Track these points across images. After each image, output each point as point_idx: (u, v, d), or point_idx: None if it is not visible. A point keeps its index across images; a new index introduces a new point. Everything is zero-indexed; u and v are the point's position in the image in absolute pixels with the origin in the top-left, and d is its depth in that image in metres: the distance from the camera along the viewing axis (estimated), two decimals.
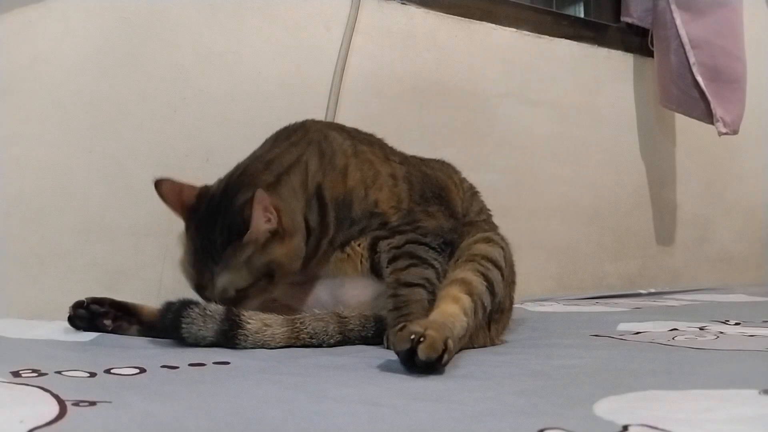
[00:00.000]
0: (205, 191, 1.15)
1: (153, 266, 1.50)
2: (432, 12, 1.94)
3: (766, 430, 0.63)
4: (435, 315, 0.96)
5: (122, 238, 1.48)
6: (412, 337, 0.83)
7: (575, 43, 2.22)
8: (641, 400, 0.72)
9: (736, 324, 1.37)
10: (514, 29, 2.09)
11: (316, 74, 1.74)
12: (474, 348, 1.06)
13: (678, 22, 2.18)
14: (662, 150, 2.42)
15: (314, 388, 0.77)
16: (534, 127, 2.12)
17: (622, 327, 1.34)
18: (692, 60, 2.17)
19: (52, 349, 0.99)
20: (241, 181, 1.13)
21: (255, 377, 0.83)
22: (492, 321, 1.12)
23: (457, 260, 1.12)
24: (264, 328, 1.03)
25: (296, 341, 1.04)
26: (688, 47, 2.17)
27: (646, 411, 0.67)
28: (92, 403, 0.66)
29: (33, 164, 1.42)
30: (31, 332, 1.11)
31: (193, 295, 1.08)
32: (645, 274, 2.35)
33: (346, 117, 1.71)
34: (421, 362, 0.82)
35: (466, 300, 1.00)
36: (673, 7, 2.18)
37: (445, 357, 0.84)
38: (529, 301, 1.85)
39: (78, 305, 1.12)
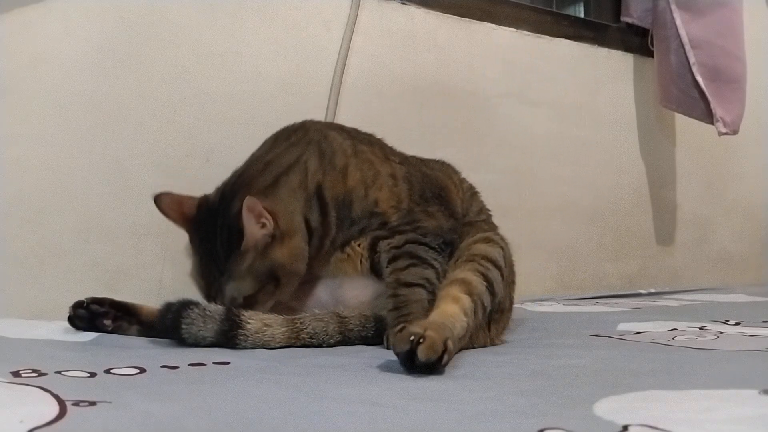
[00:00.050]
0: (204, 201, 1.16)
1: (153, 266, 1.50)
2: (432, 12, 1.94)
3: (766, 430, 0.63)
4: (435, 315, 0.96)
5: (122, 238, 1.48)
6: (412, 338, 0.83)
7: (575, 43, 2.22)
8: (641, 400, 0.72)
9: (736, 324, 1.37)
10: (514, 29, 2.09)
11: (316, 74, 1.74)
12: (474, 348, 1.06)
13: (678, 22, 2.18)
14: (662, 150, 2.42)
15: (314, 388, 0.77)
16: (534, 127, 2.12)
17: (622, 327, 1.34)
18: (692, 60, 2.17)
19: (52, 349, 0.99)
20: (236, 188, 1.13)
21: (255, 377, 0.83)
22: (492, 321, 1.12)
23: (457, 260, 1.12)
24: (264, 328, 1.03)
25: (296, 341, 1.04)
26: (688, 47, 2.17)
27: (646, 411, 0.67)
28: (92, 403, 0.66)
29: (33, 164, 1.42)
30: (31, 332, 1.11)
31: (192, 296, 1.08)
32: (645, 274, 2.35)
33: (346, 117, 1.71)
34: (420, 363, 0.82)
35: (465, 300, 1.00)
36: (673, 7, 2.18)
37: (445, 358, 0.84)
38: (529, 301, 1.85)
39: (78, 305, 1.12)
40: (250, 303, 1.08)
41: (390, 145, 1.33)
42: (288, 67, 1.70)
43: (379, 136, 1.33)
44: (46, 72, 1.44)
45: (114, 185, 1.49)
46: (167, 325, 1.02)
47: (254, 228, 1.05)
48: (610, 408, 0.67)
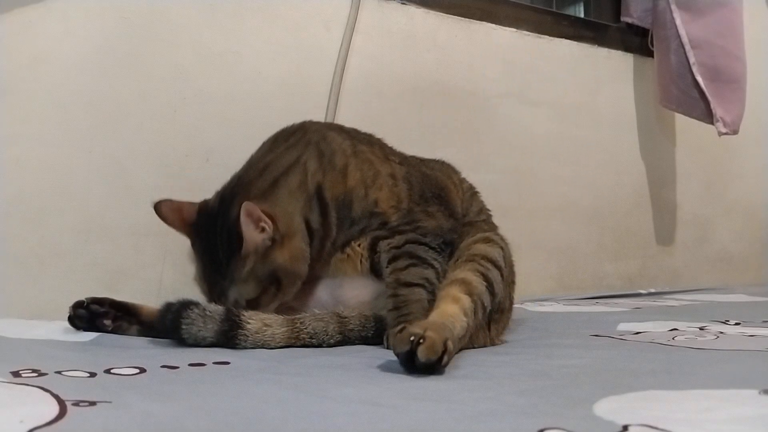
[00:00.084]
0: (204, 206, 1.16)
1: (153, 266, 1.50)
2: (432, 12, 1.94)
3: (766, 430, 0.63)
4: (435, 315, 0.96)
5: (122, 238, 1.48)
6: (412, 338, 0.83)
7: (575, 43, 2.22)
8: (641, 400, 0.72)
9: (736, 324, 1.37)
10: (514, 29, 2.09)
11: (316, 74, 1.74)
12: (474, 348, 1.06)
13: (678, 22, 2.18)
14: (662, 150, 2.42)
15: (314, 388, 0.77)
16: (534, 127, 2.12)
17: (622, 327, 1.34)
18: (692, 60, 2.17)
19: (52, 349, 0.99)
20: (235, 192, 1.13)
21: (255, 377, 0.83)
22: (492, 321, 1.12)
23: (457, 260, 1.12)
24: (264, 328, 1.03)
25: (296, 341, 1.04)
26: (688, 47, 2.17)
27: (646, 411, 0.67)
28: (92, 403, 0.66)
29: (33, 164, 1.42)
30: (31, 332, 1.11)
31: (192, 296, 1.08)
32: (645, 274, 2.35)
33: (346, 117, 1.71)
34: (420, 364, 0.82)
35: (465, 300, 1.00)
36: (673, 7, 2.18)
37: (445, 358, 0.84)
38: (529, 301, 1.85)
39: (78, 305, 1.12)
40: (253, 306, 1.08)
41: (390, 145, 1.33)
42: (288, 67, 1.70)
43: (379, 136, 1.33)
44: (46, 72, 1.44)
45: (114, 185, 1.49)
46: (167, 326, 1.02)
47: (253, 233, 1.06)
48: (610, 408, 0.67)
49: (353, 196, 1.17)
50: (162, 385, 0.78)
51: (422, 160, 1.35)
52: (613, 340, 1.19)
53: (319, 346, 1.05)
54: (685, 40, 2.17)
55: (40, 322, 1.19)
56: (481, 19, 2.03)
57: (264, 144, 1.25)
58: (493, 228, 1.31)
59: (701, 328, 1.30)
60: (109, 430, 0.59)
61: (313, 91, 1.72)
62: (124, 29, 1.51)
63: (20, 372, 0.81)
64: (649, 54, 2.31)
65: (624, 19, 2.32)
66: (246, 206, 1.04)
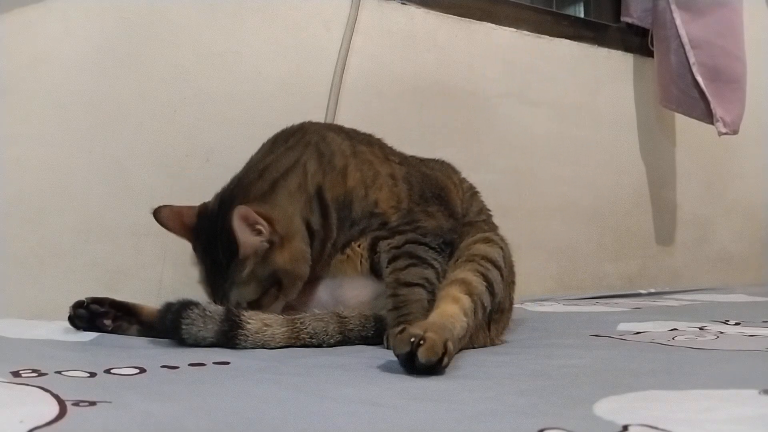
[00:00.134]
0: (204, 209, 1.16)
1: (153, 266, 1.50)
2: (432, 12, 1.94)
3: (766, 430, 0.63)
4: (434, 316, 0.96)
5: (122, 238, 1.48)
6: (412, 339, 0.83)
7: (575, 43, 2.22)
8: (641, 400, 0.72)
9: (736, 324, 1.37)
10: (514, 29, 2.09)
11: (316, 74, 1.74)
12: (474, 348, 1.06)
13: (678, 22, 2.18)
14: (662, 150, 2.42)
15: (314, 388, 0.77)
16: (534, 127, 2.12)
17: (622, 327, 1.34)
18: (692, 60, 2.17)
19: (52, 349, 0.99)
20: (234, 195, 1.13)
21: (255, 377, 0.83)
22: (492, 321, 1.12)
23: (457, 260, 1.12)
24: (264, 328, 1.03)
25: (296, 341, 1.04)
26: (688, 47, 2.17)
27: (646, 411, 0.67)
28: (92, 403, 0.66)
29: (33, 164, 1.42)
30: (31, 332, 1.11)
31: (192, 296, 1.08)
32: (645, 274, 2.35)
33: (346, 117, 1.71)
34: (421, 365, 0.82)
35: (465, 300, 1.00)
36: (673, 7, 2.18)
37: (445, 360, 0.84)
38: (529, 301, 1.85)
39: (78, 305, 1.12)
40: (255, 307, 1.09)
41: (390, 146, 1.33)
42: (288, 67, 1.70)
43: (379, 136, 1.33)
44: (46, 72, 1.44)
45: (114, 185, 1.49)
46: (167, 326, 1.02)
47: (248, 236, 1.06)
48: (610, 408, 0.67)
49: (353, 197, 1.17)
50: (162, 385, 0.78)
51: (422, 160, 1.35)
52: (613, 340, 1.19)
53: (319, 346, 1.05)
54: (685, 40, 2.17)
55: (40, 322, 1.19)
56: (481, 19, 2.03)
57: (263, 145, 1.25)
58: (493, 228, 1.31)
59: (701, 328, 1.30)
60: (109, 430, 0.59)
61: (313, 91, 1.72)
62: (124, 29, 1.51)
63: (20, 372, 0.81)
64: (649, 54, 2.31)
65: (624, 19, 2.32)
66: (238, 210, 1.04)
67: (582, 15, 2.49)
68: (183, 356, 0.93)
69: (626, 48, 2.33)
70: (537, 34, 2.14)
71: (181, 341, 1.01)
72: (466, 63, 1.99)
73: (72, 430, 0.58)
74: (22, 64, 1.42)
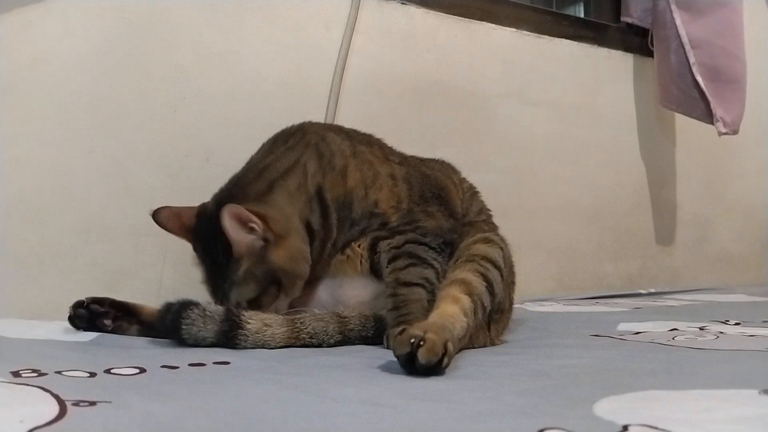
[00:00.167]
0: (202, 210, 1.16)
1: (153, 266, 1.50)
2: (432, 12, 1.94)
3: (766, 430, 0.63)
4: (434, 316, 0.96)
5: (122, 238, 1.48)
6: (412, 340, 0.83)
7: (575, 43, 2.22)
8: (641, 400, 0.72)
9: (736, 324, 1.37)
10: (514, 29, 2.09)
11: (316, 74, 1.74)
12: (474, 348, 1.06)
13: (678, 22, 2.18)
14: (662, 150, 2.42)
15: (314, 388, 0.77)
16: (534, 127, 2.12)
17: (622, 327, 1.34)
18: (692, 60, 2.17)
19: (52, 349, 0.99)
20: (232, 195, 1.13)
21: (255, 377, 0.83)
22: (492, 321, 1.12)
23: (457, 260, 1.12)
24: (264, 328, 1.03)
25: (296, 341, 1.04)
26: (688, 47, 2.17)
27: (646, 411, 0.67)
28: (92, 403, 0.66)
29: (33, 164, 1.42)
30: (31, 332, 1.11)
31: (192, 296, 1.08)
32: (645, 274, 2.35)
33: (346, 117, 1.71)
34: (421, 366, 0.82)
35: (465, 300, 1.00)
36: (673, 7, 2.18)
37: (445, 360, 0.84)
38: (529, 301, 1.85)
39: (78, 305, 1.12)
40: (255, 307, 1.09)
41: (390, 146, 1.33)
42: (288, 67, 1.70)
43: (379, 136, 1.33)
44: (46, 72, 1.44)
45: (114, 185, 1.49)
46: (167, 326, 1.02)
47: (239, 234, 1.06)
48: (610, 408, 0.67)
49: (353, 197, 1.17)
50: (162, 385, 0.78)
51: (422, 160, 1.35)
52: (613, 340, 1.19)
53: (319, 346, 1.05)
54: (685, 40, 2.17)
55: (40, 322, 1.19)
56: (481, 19, 2.03)
57: (263, 146, 1.25)
58: (494, 228, 1.31)
59: (701, 328, 1.30)
60: (109, 430, 0.59)
61: (313, 91, 1.72)
62: (124, 29, 1.51)
63: (20, 372, 0.81)
64: (649, 54, 2.31)
65: (624, 19, 2.32)
66: (228, 209, 1.04)
67: (582, 15, 2.49)
68: (183, 356, 0.93)
69: (626, 48, 2.33)
70: (537, 34, 2.14)
71: (181, 341, 1.01)
72: (466, 63, 1.99)
73: (72, 430, 0.58)
74: (22, 64, 1.42)
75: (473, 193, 1.36)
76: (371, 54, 1.83)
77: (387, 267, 1.13)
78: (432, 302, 1.05)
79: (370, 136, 1.31)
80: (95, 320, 1.12)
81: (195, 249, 1.16)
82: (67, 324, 1.12)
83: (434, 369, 0.83)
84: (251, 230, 1.07)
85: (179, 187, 1.51)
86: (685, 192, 2.47)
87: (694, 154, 2.48)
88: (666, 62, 2.22)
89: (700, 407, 0.68)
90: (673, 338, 1.18)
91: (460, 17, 1.99)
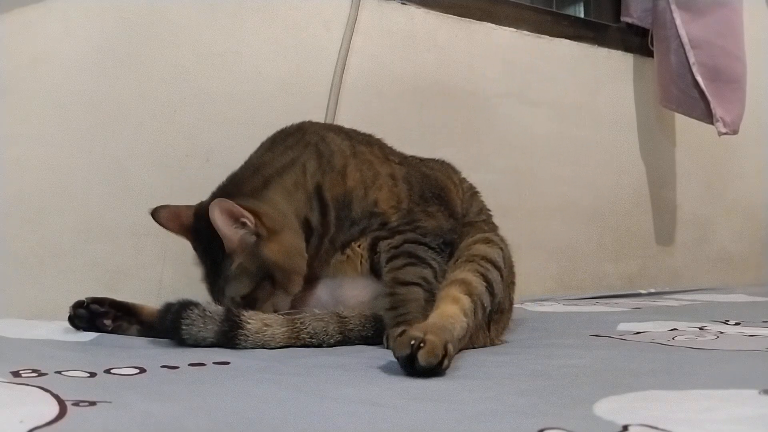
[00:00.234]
0: (200, 208, 1.16)
1: (153, 266, 1.50)
2: (432, 12, 1.94)
3: (766, 430, 0.63)
4: (434, 317, 0.96)
5: (122, 238, 1.48)
6: (412, 342, 0.83)
7: (575, 43, 2.22)
8: (641, 400, 0.72)
9: (736, 324, 1.37)
10: (514, 29, 2.09)
11: (316, 74, 1.74)
12: (474, 348, 1.06)
13: (678, 22, 2.18)
14: (662, 150, 2.42)
15: (314, 388, 0.77)
16: (534, 127, 2.12)
17: (622, 327, 1.34)
18: (692, 60, 2.17)
19: (52, 349, 0.99)
20: (228, 191, 1.14)
21: (255, 377, 0.83)
22: (492, 321, 1.12)
23: (457, 261, 1.12)
24: (264, 328, 1.03)
25: (296, 341, 1.04)
26: (688, 47, 2.17)
27: (646, 411, 0.67)
28: (92, 403, 0.66)
29: (33, 164, 1.42)
30: (31, 332, 1.11)
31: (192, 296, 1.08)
32: (645, 274, 2.35)
33: (346, 117, 1.71)
34: (421, 367, 0.82)
35: (465, 300, 1.00)
36: (673, 7, 2.18)
37: (446, 362, 0.84)
38: (529, 301, 1.85)
39: (78, 305, 1.12)
40: (249, 303, 1.08)
41: (389, 146, 1.33)
42: (288, 67, 1.70)
43: (379, 136, 1.33)
44: (46, 72, 1.44)
45: (114, 185, 1.49)
46: (167, 326, 1.02)
47: (229, 229, 1.06)
48: (610, 408, 0.67)
49: (353, 197, 1.17)
50: (162, 385, 0.78)
51: (422, 160, 1.35)
52: (613, 340, 1.19)
53: (319, 346, 1.05)
54: (685, 40, 2.17)
55: (40, 322, 1.19)
56: (481, 19, 2.03)
57: (262, 145, 1.25)
58: (494, 228, 1.31)
59: (701, 328, 1.30)
60: (109, 430, 0.59)
61: (313, 91, 1.73)
62: (124, 29, 1.51)
63: (20, 372, 0.81)
64: (649, 54, 2.31)
65: (624, 19, 2.32)
66: (218, 203, 1.04)
67: (582, 15, 2.49)
68: (183, 356, 0.93)
69: (626, 48, 2.33)
70: (537, 34, 2.14)
71: (181, 341, 1.01)
72: (466, 63, 1.99)
73: (72, 430, 0.58)
74: (22, 64, 1.42)
75: (473, 193, 1.36)
76: (371, 54, 1.83)
77: (385, 266, 1.13)
78: (430, 301, 1.05)
79: (370, 136, 1.31)
80: (95, 320, 1.12)
81: (194, 248, 1.16)
82: (67, 324, 1.12)
83: (434, 370, 0.83)
84: (243, 225, 1.07)
85: (179, 187, 1.51)
86: (685, 192, 2.47)
87: (694, 154, 2.48)
88: (666, 62, 2.22)
89: (700, 407, 0.68)
90: (673, 338, 1.18)
91: (460, 17, 1.99)
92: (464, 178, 1.38)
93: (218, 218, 1.04)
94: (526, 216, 2.06)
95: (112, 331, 1.12)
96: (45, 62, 1.44)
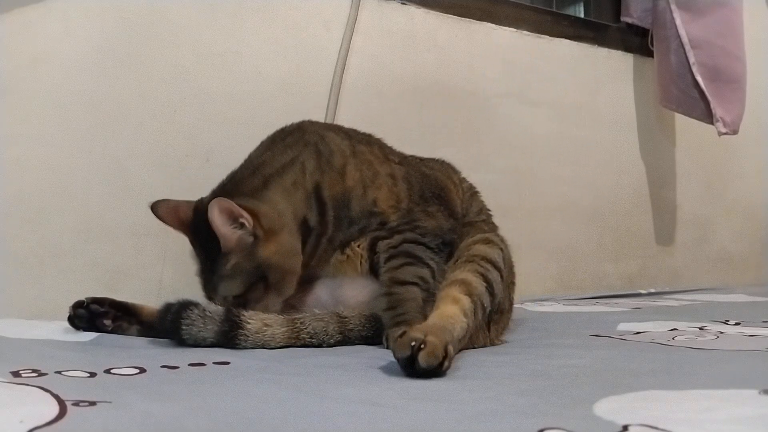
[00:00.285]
0: (199, 204, 1.16)
1: (153, 266, 1.50)
2: (432, 12, 1.94)
3: (766, 430, 0.63)
4: (434, 318, 0.96)
5: (122, 238, 1.49)
6: (413, 344, 0.83)
7: (575, 43, 2.22)
8: (641, 400, 0.72)
9: (736, 324, 1.37)
10: (514, 29, 2.09)
11: (316, 74, 1.74)
12: (474, 348, 1.06)
13: (678, 22, 2.18)
14: (662, 150, 2.42)
15: (314, 388, 0.77)
16: (534, 127, 2.12)
17: (622, 327, 1.34)
18: (692, 60, 2.17)
19: (52, 349, 0.99)
20: (227, 190, 1.13)
21: (255, 377, 0.83)
22: (492, 321, 1.12)
23: (457, 261, 1.12)
24: (264, 328, 1.03)
25: (296, 341, 1.04)
26: (688, 47, 2.17)
27: (646, 411, 0.67)
28: (92, 403, 0.66)
29: (33, 164, 1.42)
30: (31, 332, 1.11)
31: (192, 296, 1.08)
32: (645, 274, 2.35)
33: (346, 117, 1.71)
34: (421, 369, 0.82)
35: (465, 301, 1.00)
36: (673, 7, 2.18)
37: (446, 363, 0.84)
38: (529, 301, 1.85)
39: (78, 305, 1.12)
40: (242, 302, 1.08)
41: (389, 145, 1.33)
42: (288, 67, 1.70)
43: (378, 136, 1.33)
44: (46, 72, 1.44)
45: (114, 185, 1.49)
46: (167, 326, 1.02)
47: (227, 229, 1.06)
48: (610, 408, 0.67)
49: (352, 196, 1.17)
50: (162, 385, 0.78)
51: (422, 160, 1.35)
52: (613, 340, 1.19)
53: (319, 346, 1.05)
54: (685, 40, 2.17)
55: (40, 322, 1.19)
56: (481, 19, 2.03)
57: (261, 144, 1.25)
58: (494, 228, 1.31)
59: (701, 328, 1.30)
60: (109, 430, 0.59)
61: (313, 91, 1.73)
62: (124, 29, 1.51)
63: (20, 372, 0.81)
64: (649, 54, 2.31)
65: (624, 19, 2.32)
66: (218, 203, 1.04)
67: (582, 15, 2.49)
68: (183, 356, 0.93)
69: (626, 48, 2.33)
70: (537, 34, 2.14)
71: (181, 341, 1.01)
72: (466, 63, 1.99)
73: (72, 430, 0.58)
74: (22, 64, 1.42)
75: (473, 193, 1.36)
76: (371, 54, 1.83)
77: (383, 266, 1.13)
78: (427, 301, 1.05)
79: (369, 135, 1.31)
80: (95, 320, 1.12)
81: (192, 243, 1.16)
82: (67, 324, 1.12)
83: (435, 372, 0.83)
84: (241, 226, 1.07)
85: (179, 187, 1.51)
86: (685, 192, 2.47)
87: (694, 154, 2.48)
88: (666, 62, 2.22)
89: (700, 407, 0.68)
90: (673, 338, 1.18)
91: (460, 17, 1.99)
92: (464, 178, 1.38)
93: (217, 218, 1.04)
94: (526, 216, 2.06)
95: (112, 331, 1.12)
96: (45, 62, 1.44)
